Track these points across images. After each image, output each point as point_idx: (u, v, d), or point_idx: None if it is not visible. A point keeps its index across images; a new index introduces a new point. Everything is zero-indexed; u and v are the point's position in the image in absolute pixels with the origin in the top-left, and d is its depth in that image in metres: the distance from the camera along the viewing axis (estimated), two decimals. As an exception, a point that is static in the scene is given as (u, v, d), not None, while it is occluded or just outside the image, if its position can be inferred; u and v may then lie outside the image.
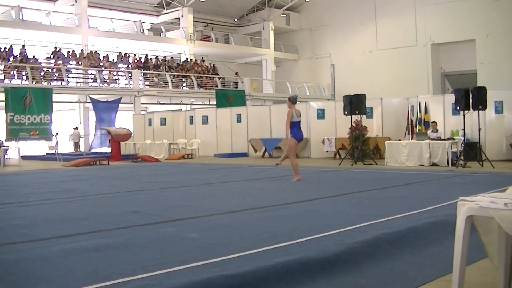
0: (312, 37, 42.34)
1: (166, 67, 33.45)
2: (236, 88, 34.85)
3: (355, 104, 16.22)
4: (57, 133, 27.47)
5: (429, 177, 11.51)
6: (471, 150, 14.44)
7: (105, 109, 28.79)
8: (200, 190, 10.30)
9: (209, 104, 32.34)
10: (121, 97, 28.94)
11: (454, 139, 15.37)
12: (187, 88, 32.77)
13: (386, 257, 4.57)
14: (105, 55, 31.05)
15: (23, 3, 30.50)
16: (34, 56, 27.79)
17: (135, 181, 12.51)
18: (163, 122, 26.98)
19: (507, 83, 28.15)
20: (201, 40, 38.60)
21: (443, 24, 34.07)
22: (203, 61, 36.96)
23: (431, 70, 35.14)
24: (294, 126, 11.00)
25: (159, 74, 31.94)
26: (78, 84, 28.37)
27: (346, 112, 16.56)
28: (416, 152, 15.08)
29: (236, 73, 38.02)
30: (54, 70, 27.62)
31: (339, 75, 38.02)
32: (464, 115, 14.28)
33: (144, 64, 32.18)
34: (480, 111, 14.36)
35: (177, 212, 7.12)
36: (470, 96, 14.10)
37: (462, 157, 14.24)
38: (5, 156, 20.87)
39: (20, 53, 27.50)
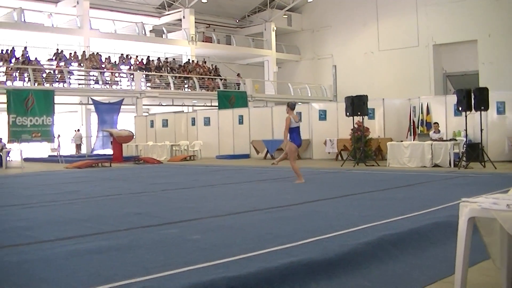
0: (314, 38, 42.33)
1: (168, 68, 33.47)
2: (238, 89, 34.87)
3: (357, 105, 16.22)
4: (59, 135, 27.51)
5: (431, 178, 11.50)
6: (473, 151, 14.43)
7: (107, 111, 28.81)
8: (202, 191, 10.30)
9: (211, 106, 32.37)
10: (123, 98, 28.95)
11: (456, 140, 15.36)
12: (189, 90, 32.78)
13: (388, 258, 4.57)
14: (107, 57, 31.08)
15: (25, 5, 30.56)
16: (36, 57, 27.83)
17: (137, 183, 12.52)
18: (165, 123, 27.00)
19: (509, 84, 28.10)
20: (203, 41, 38.62)
21: (445, 24, 34.04)
22: (205, 62, 36.98)
23: (433, 70, 35.11)
24: (293, 132, 11.02)
25: (161, 75, 31.96)
26: (80, 86, 28.40)
27: (348, 113, 16.55)
28: (418, 153, 15.07)
29: (238, 74, 38.03)
30: (56, 71, 27.66)
31: (340, 76, 38.06)
32: (466, 116, 14.27)
33: (146, 66, 32.20)
34: (482, 112, 14.33)
35: (180, 214, 7.12)
36: (472, 96, 14.08)
37: (464, 158, 14.22)
38: (7, 158, 20.90)
39: (22, 55, 27.54)
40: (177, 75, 32.77)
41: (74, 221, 6.65)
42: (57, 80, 27.22)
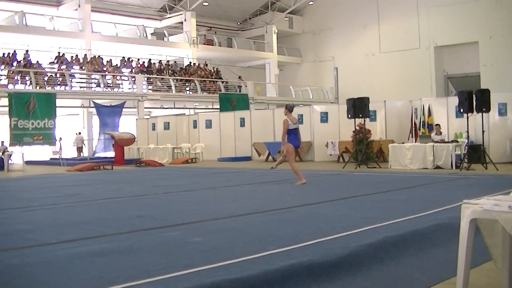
0: (315, 40, 42.36)
1: (170, 71, 33.50)
2: (240, 92, 34.90)
3: (359, 107, 16.22)
4: (60, 138, 27.57)
5: (433, 180, 11.49)
6: (475, 153, 14.41)
7: (108, 114, 28.86)
8: (203, 194, 10.30)
9: (213, 108, 32.39)
10: (125, 101, 29.00)
11: (458, 142, 15.34)
12: (191, 92, 32.81)
13: (390, 260, 4.56)
14: (108, 60, 31.13)
15: (27, 8, 30.63)
16: (37, 61, 27.89)
17: (139, 185, 12.53)
18: (166, 126, 27.02)
19: (510, 85, 28.09)
20: (204, 44, 38.66)
21: (446, 26, 34.04)
22: (206, 65, 37.01)
23: (434, 72, 35.11)
24: (291, 134, 11.19)
25: (162, 78, 31.99)
26: (82, 89, 28.45)
27: (349, 115, 16.55)
28: (419, 155, 15.06)
29: (239, 77, 38.06)
30: (58, 75, 27.70)
31: (342, 78, 38.07)
32: (467, 118, 14.25)
33: (147, 69, 32.24)
34: (484, 113, 14.31)
35: (181, 216, 7.12)
36: (474, 98, 14.06)
37: (466, 160, 14.21)
38: (9, 161, 20.92)
39: (23, 58, 27.59)
40: (178, 77, 32.80)
41: (76, 224, 6.66)
42: (58, 83, 27.28)
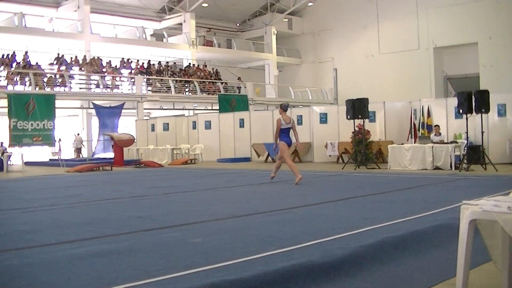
0: (315, 41, 42.38)
1: (169, 72, 33.52)
2: (239, 93, 34.91)
3: (358, 108, 16.23)
4: (60, 139, 27.55)
5: (432, 180, 11.50)
6: (474, 154, 14.42)
7: (108, 115, 28.87)
8: (203, 195, 10.30)
9: (212, 109, 32.40)
10: (124, 102, 29.01)
11: (457, 143, 15.35)
12: (190, 93, 32.82)
13: (390, 260, 4.57)
14: (107, 61, 31.14)
15: (26, 10, 30.64)
16: (37, 62, 27.88)
17: (138, 186, 12.53)
18: (166, 127, 27.02)
19: (509, 86, 28.12)
20: (204, 45, 38.69)
21: (445, 27, 34.07)
22: (206, 66, 37.03)
23: (433, 73, 35.13)
24: (283, 133, 11.51)
25: (161, 79, 32.00)
26: (81, 90, 28.45)
27: (348, 116, 16.56)
28: (419, 155, 15.07)
29: (239, 78, 38.08)
30: (57, 76, 27.71)
31: (341, 79, 38.06)
32: (467, 119, 14.26)
33: (146, 70, 32.24)
34: (483, 114, 14.32)
35: (181, 217, 7.12)
36: (473, 99, 14.07)
37: (465, 161, 14.22)
38: (8, 162, 20.91)
39: (23, 59, 27.60)
40: (178, 79, 32.81)
41: (76, 225, 6.65)
42: (58, 84, 27.28)
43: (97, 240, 5.58)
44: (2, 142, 23.72)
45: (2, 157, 20.94)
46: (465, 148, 14.76)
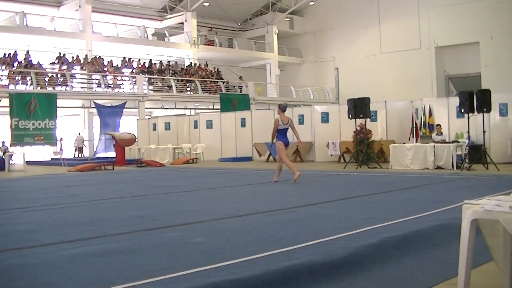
0: (316, 40, 42.36)
1: (170, 71, 33.52)
2: (240, 92, 34.90)
3: (359, 107, 16.21)
4: (61, 138, 27.57)
5: (433, 180, 11.48)
6: (476, 153, 14.39)
7: (109, 114, 28.88)
8: (204, 194, 10.29)
9: (214, 109, 32.40)
10: (125, 102, 29.01)
11: (459, 142, 15.33)
12: (191, 93, 32.82)
13: (391, 260, 4.56)
14: (109, 60, 31.15)
15: (27, 9, 30.66)
16: (38, 61, 27.90)
17: (139, 186, 12.53)
18: (167, 126, 27.02)
19: (511, 85, 28.07)
20: (205, 44, 38.69)
21: (447, 26, 34.03)
22: (207, 65, 37.03)
23: (435, 73, 35.10)
24: (280, 133, 11.76)
25: (163, 78, 32.00)
26: (83, 89, 28.48)
27: (350, 116, 16.54)
28: (420, 155, 15.05)
29: (240, 77, 38.07)
30: (59, 75, 27.71)
31: (343, 79, 38.06)
32: (468, 118, 14.24)
33: (148, 69, 32.25)
34: (485, 114, 14.31)
35: (182, 217, 7.12)
36: (475, 98, 14.06)
37: (467, 160, 14.20)
38: (10, 162, 20.94)
39: (24, 59, 27.62)
40: (179, 78, 32.82)
41: (77, 224, 6.66)
42: (59, 83, 27.29)
43: (98, 239, 5.58)
44: (3, 142, 23.78)
45: (3, 157, 20.97)
46: (467, 148, 14.74)
